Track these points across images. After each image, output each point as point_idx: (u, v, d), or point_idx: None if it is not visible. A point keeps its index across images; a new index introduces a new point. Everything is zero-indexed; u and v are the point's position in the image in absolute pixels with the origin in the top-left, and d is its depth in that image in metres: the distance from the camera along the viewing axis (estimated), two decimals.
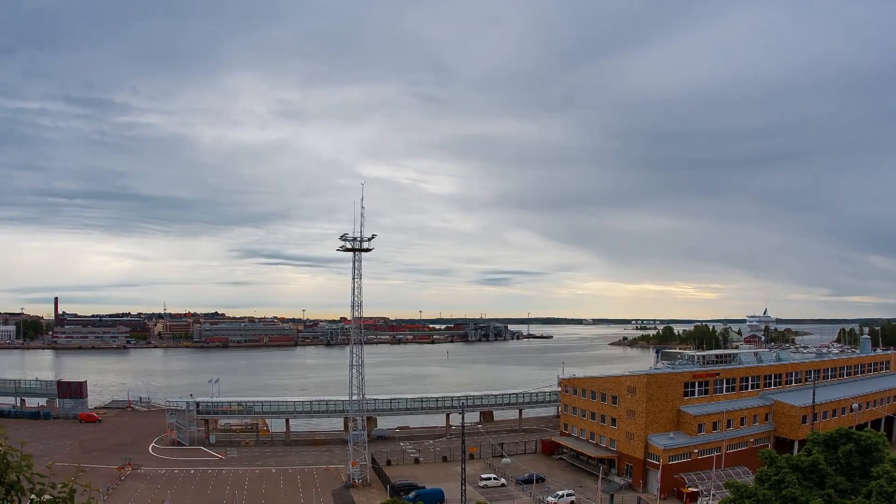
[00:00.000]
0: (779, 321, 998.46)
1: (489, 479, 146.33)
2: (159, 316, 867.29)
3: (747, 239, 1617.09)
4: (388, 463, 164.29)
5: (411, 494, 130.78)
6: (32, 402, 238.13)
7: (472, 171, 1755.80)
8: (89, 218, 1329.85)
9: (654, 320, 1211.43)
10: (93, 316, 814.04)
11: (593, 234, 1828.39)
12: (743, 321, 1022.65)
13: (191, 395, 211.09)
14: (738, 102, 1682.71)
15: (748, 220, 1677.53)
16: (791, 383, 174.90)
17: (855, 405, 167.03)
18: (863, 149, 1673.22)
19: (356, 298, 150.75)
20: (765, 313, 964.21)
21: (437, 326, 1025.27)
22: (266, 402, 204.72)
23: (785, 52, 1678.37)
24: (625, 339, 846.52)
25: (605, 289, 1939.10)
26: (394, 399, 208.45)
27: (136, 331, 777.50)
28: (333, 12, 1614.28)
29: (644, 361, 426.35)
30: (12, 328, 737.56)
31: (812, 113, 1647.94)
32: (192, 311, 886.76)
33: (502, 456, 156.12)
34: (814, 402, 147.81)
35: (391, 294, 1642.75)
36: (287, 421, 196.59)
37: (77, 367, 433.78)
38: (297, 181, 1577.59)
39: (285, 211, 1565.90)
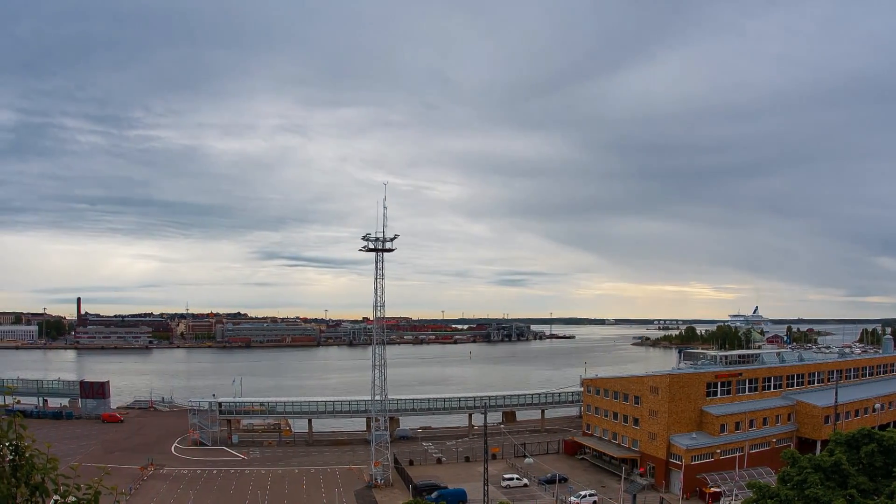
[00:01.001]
0: (801, 321, 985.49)
1: (512, 479, 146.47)
2: (182, 316, 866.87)
3: (751, 242, 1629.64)
4: (411, 463, 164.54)
5: (434, 494, 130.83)
6: (55, 403, 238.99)
7: (473, 181, 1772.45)
8: (111, 222, 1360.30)
9: (677, 320, 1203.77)
10: (115, 316, 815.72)
11: (599, 237, 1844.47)
12: (767, 321, 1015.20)
13: (213, 395, 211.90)
14: (732, 115, 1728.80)
15: (744, 224, 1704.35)
16: (813, 383, 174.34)
17: (878, 405, 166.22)
18: (839, 158, 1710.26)
19: (379, 298, 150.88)
20: (755, 312, 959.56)
21: (460, 327, 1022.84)
22: (288, 402, 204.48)
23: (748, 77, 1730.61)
24: (647, 339, 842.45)
25: (623, 289, 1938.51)
26: (416, 399, 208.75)
27: (159, 331, 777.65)
28: (336, 40, 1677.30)
29: (667, 361, 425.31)
30: (35, 328, 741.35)
31: (783, 126, 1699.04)
32: (214, 312, 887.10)
33: (525, 456, 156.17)
34: (836, 402, 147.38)
35: (413, 295, 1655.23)
36: (310, 421, 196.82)
37: (99, 368, 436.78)
38: (306, 188, 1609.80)
39: (300, 216, 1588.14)
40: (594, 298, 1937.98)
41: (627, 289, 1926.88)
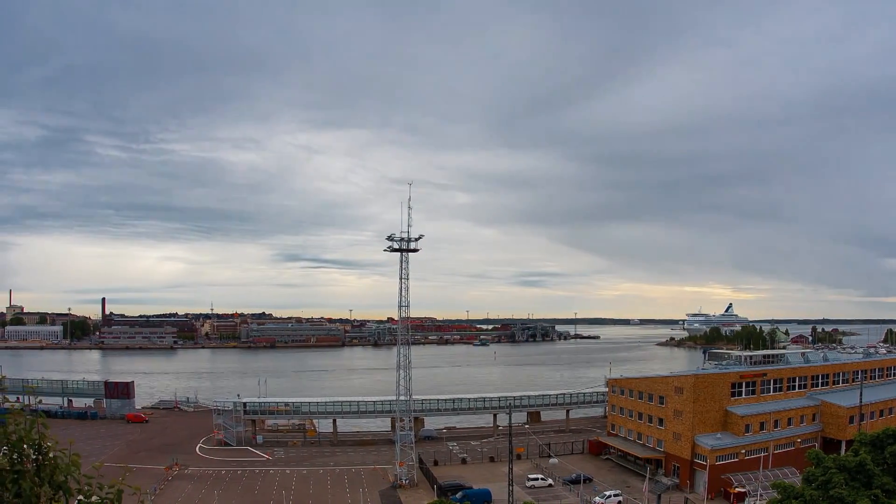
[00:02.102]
0: (825, 321, 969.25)
1: (536, 479, 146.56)
2: (206, 316, 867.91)
3: (756, 245, 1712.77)
4: (436, 463, 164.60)
5: (458, 495, 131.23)
6: (80, 403, 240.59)
7: (479, 190, 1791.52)
8: (135, 226, 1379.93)
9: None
10: (140, 316, 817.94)
11: (605, 241, 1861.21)
12: (791, 322, 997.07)
13: (238, 395, 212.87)
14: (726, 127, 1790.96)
15: (746, 228, 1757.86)
16: (838, 383, 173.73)
17: None
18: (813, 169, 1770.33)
19: (403, 299, 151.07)
20: (727, 310, 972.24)
21: (484, 327, 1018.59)
22: (313, 402, 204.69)
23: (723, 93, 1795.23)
24: (672, 339, 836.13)
25: (642, 290, 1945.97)
26: (441, 399, 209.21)
27: (184, 331, 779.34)
28: (342, 67, 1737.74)
29: (692, 362, 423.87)
30: (59, 328, 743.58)
31: (756, 141, 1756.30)
32: (239, 312, 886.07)
33: (549, 456, 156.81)
34: (861, 402, 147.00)
35: (437, 295, 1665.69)
36: (334, 421, 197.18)
37: (124, 368, 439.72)
38: (318, 196, 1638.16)
39: (316, 220, 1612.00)
40: (615, 299, 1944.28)
41: (646, 289, 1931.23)
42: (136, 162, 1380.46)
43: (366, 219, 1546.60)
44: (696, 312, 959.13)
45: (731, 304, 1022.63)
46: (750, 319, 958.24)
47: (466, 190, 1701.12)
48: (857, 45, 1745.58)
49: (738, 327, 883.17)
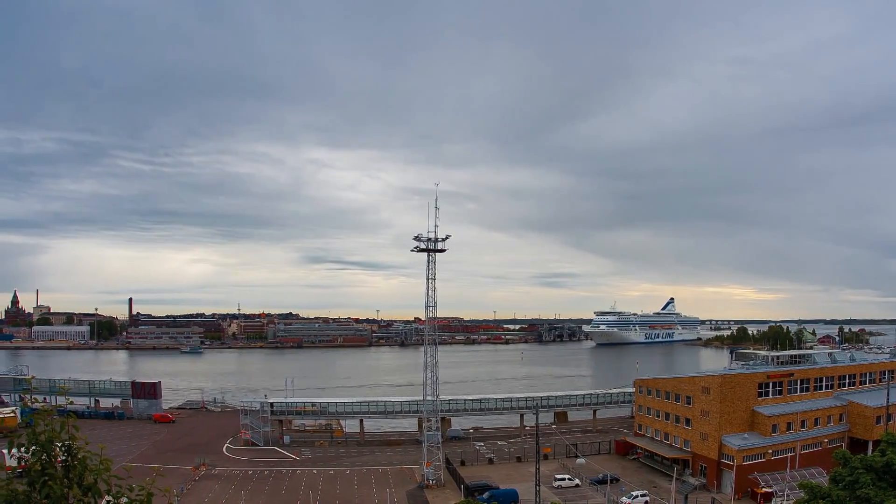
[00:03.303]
0: (852, 321, 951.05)
1: (563, 479, 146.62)
2: (233, 317, 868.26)
3: (762, 248, 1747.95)
4: (462, 463, 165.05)
5: (485, 495, 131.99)
6: (107, 403, 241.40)
7: (486, 200, 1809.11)
8: (162, 230, 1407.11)
9: (728, 321, 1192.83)
10: (167, 316, 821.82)
11: (615, 245, 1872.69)
12: (816, 322, 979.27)
13: (265, 395, 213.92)
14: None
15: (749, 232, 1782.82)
16: (865, 383, 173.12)
17: None
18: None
19: (430, 299, 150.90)
20: (665, 308, 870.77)
21: (511, 327, 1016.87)
22: (340, 402, 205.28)
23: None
24: (699, 339, 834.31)
25: (663, 291, 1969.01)
26: (468, 399, 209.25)
27: (211, 331, 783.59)
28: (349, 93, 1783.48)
29: (718, 362, 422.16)
30: (86, 329, 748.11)
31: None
32: (266, 312, 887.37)
33: (576, 456, 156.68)
34: (888, 402, 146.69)
35: (462, 296, 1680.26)
36: (361, 421, 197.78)
37: (151, 368, 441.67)
38: (335, 203, 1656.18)
39: (336, 225, 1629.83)
40: (637, 299, 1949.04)
41: (667, 290, 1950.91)
42: (157, 173, 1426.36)
43: (380, 224, 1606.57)
44: (607, 310, 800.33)
45: (671, 299, 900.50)
46: (702, 318, 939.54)
47: (472, 199, 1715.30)
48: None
49: (679, 329, 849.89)
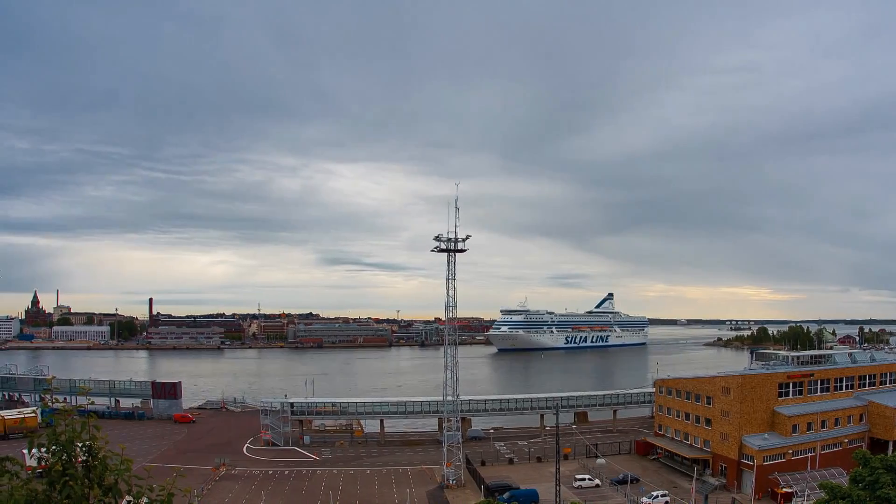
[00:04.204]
0: (872, 321, 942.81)
1: (583, 479, 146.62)
2: (254, 317, 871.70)
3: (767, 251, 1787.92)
4: (483, 463, 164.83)
5: (506, 495, 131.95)
6: (127, 403, 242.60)
7: (490, 206, 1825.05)
8: (181, 232, 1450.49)
9: (749, 321, 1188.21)
10: (187, 316, 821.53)
11: (625, 249, 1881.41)
12: (836, 322, 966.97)
13: (285, 395, 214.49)
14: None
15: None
16: (886, 384, 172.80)
17: None
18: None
19: (450, 299, 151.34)
20: (600, 305, 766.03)
21: None
22: (360, 402, 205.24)
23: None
24: (719, 339, 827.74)
25: (682, 291, 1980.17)
26: (488, 400, 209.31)
27: (231, 331, 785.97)
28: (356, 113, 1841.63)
29: (738, 362, 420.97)
30: (106, 329, 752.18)
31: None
32: (286, 312, 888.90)
33: (597, 456, 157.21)
34: None
35: (482, 296, 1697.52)
36: (381, 421, 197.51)
37: (171, 368, 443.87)
38: (347, 208, 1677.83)
39: (351, 228, 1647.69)
40: (655, 300, 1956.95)
41: (683, 290, 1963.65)
42: (172, 182, 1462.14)
43: (392, 228, 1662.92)
44: (515, 308, 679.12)
45: (609, 295, 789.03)
46: (648, 317, 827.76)
47: (477, 205, 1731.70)
48: None
49: (617, 331, 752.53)
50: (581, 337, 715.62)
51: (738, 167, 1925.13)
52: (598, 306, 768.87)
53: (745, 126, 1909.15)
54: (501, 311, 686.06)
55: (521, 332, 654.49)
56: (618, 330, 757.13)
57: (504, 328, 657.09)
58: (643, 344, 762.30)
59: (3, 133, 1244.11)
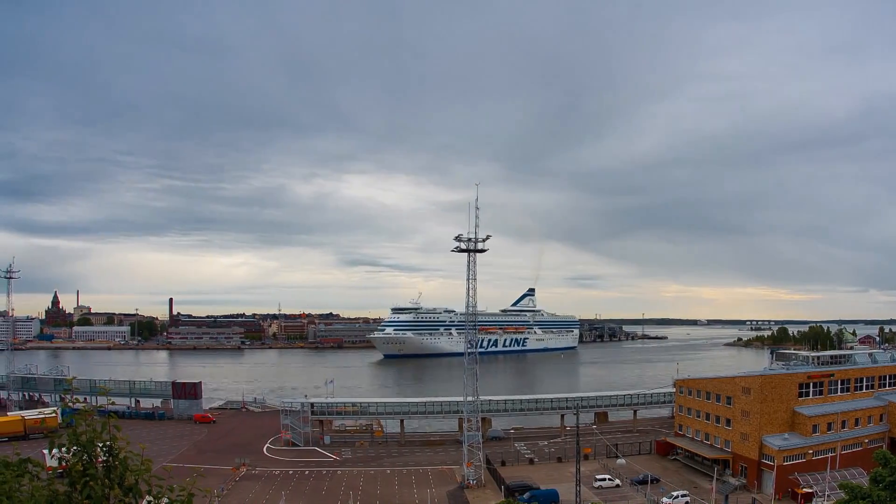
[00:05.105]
0: (895, 321, 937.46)
1: (604, 479, 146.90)
2: (274, 317, 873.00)
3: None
4: (503, 463, 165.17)
5: (526, 495, 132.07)
6: (147, 403, 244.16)
7: (494, 211, 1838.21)
8: (201, 235, 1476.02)
9: (769, 321, 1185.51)
10: (207, 317, 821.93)
11: (633, 252, 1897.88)
12: (856, 322, 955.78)
13: (305, 395, 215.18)
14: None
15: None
16: None
17: None
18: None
19: (471, 299, 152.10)
20: (518, 303, 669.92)
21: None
22: (380, 402, 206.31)
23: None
24: (739, 339, 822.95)
25: (699, 292, 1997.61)
26: (508, 400, 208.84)
27: (251, 331, 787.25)
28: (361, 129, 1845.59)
29: (758, 362, 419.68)
30: (126, 329, 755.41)
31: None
32: (306, 313, 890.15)
33: (617, 456, 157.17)
34: None
35: (503, 296, 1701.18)
36: (402, 422, 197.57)
37: (191, 368, 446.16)
38: (360, 213, 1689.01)
39: (366, 230, 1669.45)
40: (673, 300, 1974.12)
41: (700, 291, 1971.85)
42: (189, 189, 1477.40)
43: (407, 231, 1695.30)
44: (406, 306, 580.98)
45: (530, 290, 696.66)
46: (579, 316, 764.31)
47: (485, 211, 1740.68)
48: None
49: (538, 333, 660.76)
50: (489, 340, 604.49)
51: (755, 172, 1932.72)
52: (515, 304, 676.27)
53: (758, 131, 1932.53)
54: (391, 310, 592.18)
55: (410, 334, 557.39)
56: (538, 332, 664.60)
57: (389, 329, 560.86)
58: (572, 348, 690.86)
59: (32, 142, 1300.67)
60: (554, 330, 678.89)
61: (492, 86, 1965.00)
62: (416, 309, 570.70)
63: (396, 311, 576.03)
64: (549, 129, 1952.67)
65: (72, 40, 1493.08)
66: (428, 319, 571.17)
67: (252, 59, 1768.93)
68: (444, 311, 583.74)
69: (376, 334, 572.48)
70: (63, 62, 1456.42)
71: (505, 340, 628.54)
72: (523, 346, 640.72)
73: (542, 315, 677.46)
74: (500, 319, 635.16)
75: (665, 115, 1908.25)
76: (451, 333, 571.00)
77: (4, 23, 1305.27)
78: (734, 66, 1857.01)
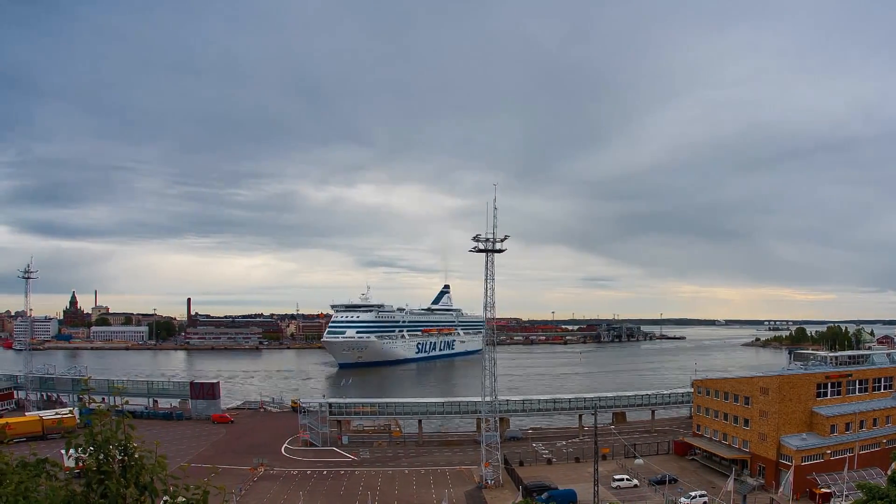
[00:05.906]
0: None
1: (621, 479, 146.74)
2: (292, 317, 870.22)
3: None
4: (521, 464, 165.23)
5: (544, 495, 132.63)
6: (165, 403, 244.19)
7: (498, 214, 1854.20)
8: (219, 237, 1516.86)
9: (787, 321, 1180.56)
10: (225, 317, 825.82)
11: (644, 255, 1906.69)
12: (874, 322, 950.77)
13: (323, 395, 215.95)
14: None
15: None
16: None
17: None
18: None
19: (489, 299, 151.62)
20: (438, 300, 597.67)
21: (570, 327, 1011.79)
22: (398, 402, 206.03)
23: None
24: (757, 339, 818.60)
25: (714, 293, 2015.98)
26: (526, 400, 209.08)
27: (269, 332, 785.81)
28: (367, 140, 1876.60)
29: (777, 362, 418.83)
30: (144, 329, 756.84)
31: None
32: (324, 313, 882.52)
33: (635, 457, 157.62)
34: None
35: (518, 297, 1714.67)
36: (420, 422, 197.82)
37: (209, 368, 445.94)
38: (371, 217, 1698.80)
39: (380, 233, 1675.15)
40: (691, 300, 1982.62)
41: (716, 291, 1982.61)
42: (202, 195, 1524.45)
43: (418, 234, 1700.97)
44: (357, 303, 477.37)
45: (446, 286, 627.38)
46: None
47: (486, 214, 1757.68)
48: None
49: (461, 334, 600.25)
50: (431, 343, 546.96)
51: (766, 178, 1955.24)
52: (435, 301, 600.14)
53: (775, 135, 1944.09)
54: (333, 308, 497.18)
55: (373, 337, 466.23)
56: (461, 333, 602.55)
57: (350, 331, 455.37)
58: (479, 351, 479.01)
59: (54, 146, 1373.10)
60: (471, 331, 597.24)
61: (501, 96, 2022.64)
62: (377, 306, 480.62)
63: (348, 308, 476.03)
64: (555, 137, 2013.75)
65: (107, 67, 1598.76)
66: (386, 319, 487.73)
67: (267, 79, 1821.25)
68: (398, 310, 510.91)
69: (328, 337, 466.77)
70: (95, 83, 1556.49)
71: (440, 343, 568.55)
72: (451, 349, 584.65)
73: (463, 315, 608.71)
74: (432, 320, 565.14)
75: (675, 121, 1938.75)
76: (403, 336, 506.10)
77: (55, 50, 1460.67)
78: (741, 71, 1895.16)
